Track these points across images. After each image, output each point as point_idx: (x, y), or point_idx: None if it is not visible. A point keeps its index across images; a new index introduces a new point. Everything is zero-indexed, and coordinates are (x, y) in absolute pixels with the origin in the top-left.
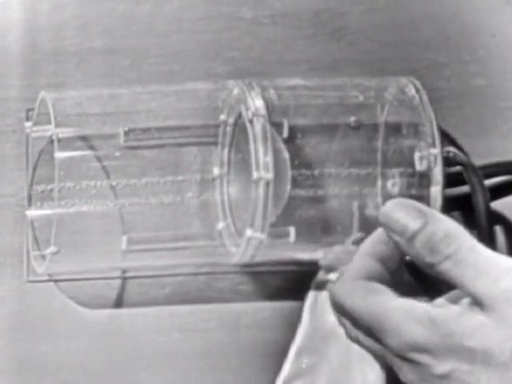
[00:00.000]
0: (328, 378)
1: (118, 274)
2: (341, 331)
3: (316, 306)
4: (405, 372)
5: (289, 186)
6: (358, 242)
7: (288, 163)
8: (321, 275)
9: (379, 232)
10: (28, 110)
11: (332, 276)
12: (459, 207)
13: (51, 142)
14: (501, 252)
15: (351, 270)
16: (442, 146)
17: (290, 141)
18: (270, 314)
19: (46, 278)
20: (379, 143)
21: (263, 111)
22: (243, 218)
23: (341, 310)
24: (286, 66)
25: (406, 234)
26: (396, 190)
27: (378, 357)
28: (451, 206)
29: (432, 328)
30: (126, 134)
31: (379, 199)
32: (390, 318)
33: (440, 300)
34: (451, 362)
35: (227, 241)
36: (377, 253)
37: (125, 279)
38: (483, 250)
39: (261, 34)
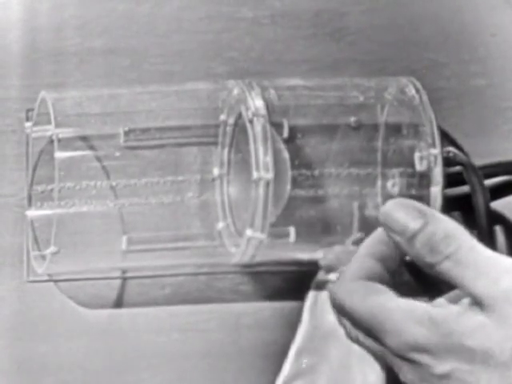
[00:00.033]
0: (328, 378)
1: (118, 274)
2: (341, 331)
3: (316, 306)
4: (405, 372)
5: (289, 186)
6: (357, 242)
7: (288, 163)
8: (321, 275)
9: (379, 232)
10: (28, 110)
11: (332, 276)
12: (459, 207)
13: (51, 142)
14: (501, 252)
15: (351, 270)
16: (442, 146)
17: (290, 141)
18: (270, 315)
19: (45, 278)
20: (379, 143)
21: (263, 111)
22: (243, 218)
23: (341, 311)
24: (286, 66)
25: (406, 234)
26: (396, 190)
27: (377, 357)
28: (451, 206)
29: (432, 328)
30: (126, 134)
31: (379, 199)
32: (389, 318)
33: (440, 300)
34: (451, 362)
35: (227, 241)
36: (376, 253)
37: (125, 279)
38: (483, 249)
39: (261, 34)
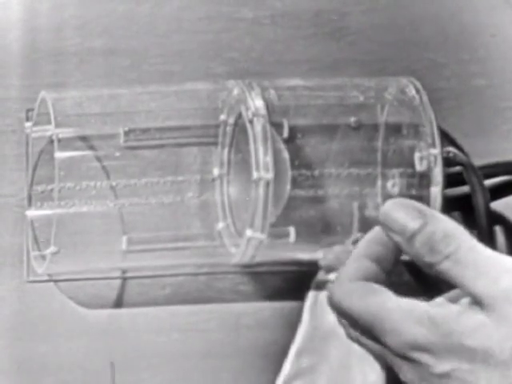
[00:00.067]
0: (328, 378)
1: (118, 274)
2: (341, 331)
3: (316, 306)
4: (405, 371)
5: (289, 186)
6: (357, 243)
7: (288, 163)
8: (321, 275)
9: (374, 233)
10: (28, 110)
11: (332, 276)
12: (459, 207)
13: (51, 142)
14: (501, 252)
15: (347, 271)
16: (442, 146)
17: (290, 141)
18: (270, 315)
19: (45, 278)
20: (379, 143)
21: (263, 111)
22: (243, 218)
23: (339, 312)
24: (286, 66)
25: (405, 234)
26: (396, 190)
27: (377, 356)
28: (451, 206)
29: (432, 327)
30: (126, 134)
31: (379, 199)
32: (389, 318)
33: (439, 299)
34: (451, 362)
35: (227, 241)
36: (372, 254)
37: (125, 279)
38: (483, 249)
39: (261, 34)
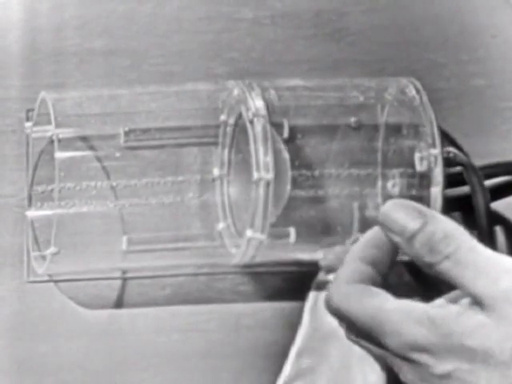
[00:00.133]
0: (328, 378)
1: (118, 274)
2: (341, 332)
3: (316, 306)
4: (405, 372)
5: (289, 187)
6: None
7: (288, 164)
8: (321, 276)
9: (369, 235)
10: (28, 111)
11: (332, 277)
12: (459, 208)
13: (51, 142)
14: (501, 252)
15: (343, 274)
16: (442, 146)
17: (290, 141)
18: (270, 315)
19: (46, 278)
20: (379, 144)
21: (263, 112)
22: (243, 219)
23: (338, 315)
24: (286, 66)
25: (405, 234)
26: (396, 190)
27: (377, 358)
28: (451, 206)
29: (432, 328)
30: (127, 134)
31: (379, 200)
32: (388, 320)
33: (439, 300)
34: (451, 362)
35: (227, 241)
36: (368, 256)
37: (125, 280)
38: (483, 249)
39: (261, 34)
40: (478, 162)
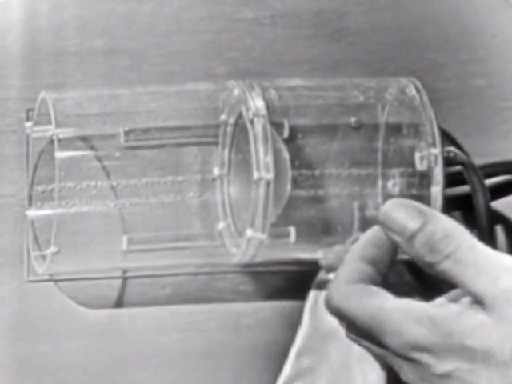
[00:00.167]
0: (328, 378)
1: (118, 274)
2: (341, 331)
3: (316, 306)
4: (405, 372)
5: (289, 186)
6: None
7: (288, 163)
8: (321, 275)
9: (369, 235)
10: (28, 110)
11: (332, 276)
12: (460, 207)
13: (51, 142)
14: (501, 251)
15: (343, 274)
16: (443, 145)
17: (290, 141)
18: (270, 314)
19: (46, 278)
20: (380, 143)
21: (264, 111)
22: (244, 218)
23: (338, 315)
24: (286, 66)
25: (405, 234)
26: (396, 190)
27: (378, 357)
28: (452, 205)
29: (432, 327)
30: (127, 134)
31: (380, 199)
32: (388, 319)
33: (440, 299)
34: (452, 362)
35: (228, 241)
36: (367, 256)
37: (125, 279)
38: (483, 248)
39: (261, 34)
40: (478, 161)
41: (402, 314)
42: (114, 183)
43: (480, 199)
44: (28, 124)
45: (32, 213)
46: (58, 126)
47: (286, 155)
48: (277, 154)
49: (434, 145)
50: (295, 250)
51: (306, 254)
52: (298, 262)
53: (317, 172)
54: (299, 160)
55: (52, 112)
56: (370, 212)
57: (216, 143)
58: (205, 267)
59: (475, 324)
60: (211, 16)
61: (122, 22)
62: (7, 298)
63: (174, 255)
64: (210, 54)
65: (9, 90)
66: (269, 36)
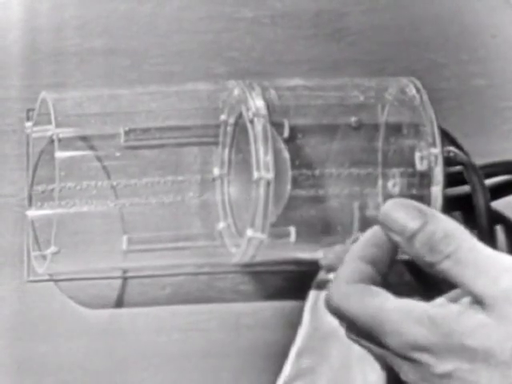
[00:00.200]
0: (328, 378)
1: (118, 274)
2: (341, 331)
3: (317, 305)
4: (405, 372)
5: (289, 186)
6: None
7: (288, 163)
8: (321, 275)
9: (369, 235)
10: (28, 110)
11: (332, 276)
12: (460, 207)
13: (52, 142)
14: (501, 251)
15: (343, 274)
16: (443, 145)
17: (290, 141)
18: (270, 314)
19: (46, 278)
20: (380, 143)
21: (264, 111)
22: (244, 218)
23: (338, 315)
24: (286, 66)
25: (405, 234)
26: (397, 189)
27: (378, 357)
28: (452, 205)
29: (432, 327)
30: (127, 134)
31: (380, 199)
32: (388, 319)
33: (440, 299)
34: (452, 362)
35: (228, 241)
36: (367, 256)
37: (125, 279)
38: (483, 248)
39: (261, 34)
40: (479, 161)
41: (402, 314)
42: (114, 183)
43: (480, 199)
44: (28, 124)
45: (32, 213)
46: (58, 125)
47: (286, 155)
48: (277, 154)
49: (434, 145)
50: (295, 249)
51: (306, 254)
52: (298, 262)
53: (317, 172)
54: (299, 160)
55: (52, 112)
56: (370, 212)
57: (216, 143)
58: (205, 267)
59: (475, 324)
60: (211, 16)
61: (122, 22)
62: (7, 298)
63: (174, 255)
64: (210, 54)
65: (9, 90)
66: (269, 36)
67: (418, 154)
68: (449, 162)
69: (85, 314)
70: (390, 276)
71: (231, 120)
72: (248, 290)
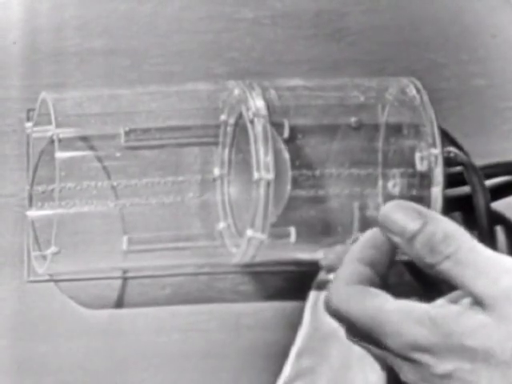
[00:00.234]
0: (328, 378)
1: (118, 274)
2: (341, 332)
3: (317, 306)
4: (406, 372)
5: (289, 187)
6: None
7: (288, 163)
8: (322, 275)
9: (367, 236)
10: (29, 111)
11: (332, 276)
12: (460, 207)
13: (52, 142)
14: (501, 252)
15: (342, 275)
16: (443, 146)
17: (290, 141)
18: (270, 315)
19: (46, 278)
20: (380, 143)
21: (264, 111)
22: (244, 219)
23: (337, 317)
24: (286, 66)
25: (405, 235)
26: (397, 190)
27: (378, 358)
28: (452, 206)
29: (432, 328)
30: (127, 134)
31: (380, 200)
32: (388, 320)
33: (440, 300)
34: (452, 362)
35: (228, 241)
36: (366, 257)
37: (125, 279)
38: (483, 249)
39: (261, 34)
40: (479, 161)
41: (402, 315)
42: (115, 183)
43: (480, 200)
44: (28, 124)
45: (32, 213)
46: (58, 126)
47: (286, 155)
48: (277, 154)
49: (434, 145)
50: (295, 250)
51: (306, 255)
52: (298, 263)
53: (317, 172)
54: (299, 160)
55: (52, 112)
56: (370, 212)
57: (216, 143)
58: (205, 267)
59: (475, 324)
60: (211, 16)
61: (122, 22)
62: (7, 297)
63: (174, 255)
64: (210, 54)
65: (9, 90)
66: (269, 36)
67: (418, 155)
68: (449, 162)
69: (85, 314)
70: (390, 277)
71: (231, 120)
72: (248, 291)
